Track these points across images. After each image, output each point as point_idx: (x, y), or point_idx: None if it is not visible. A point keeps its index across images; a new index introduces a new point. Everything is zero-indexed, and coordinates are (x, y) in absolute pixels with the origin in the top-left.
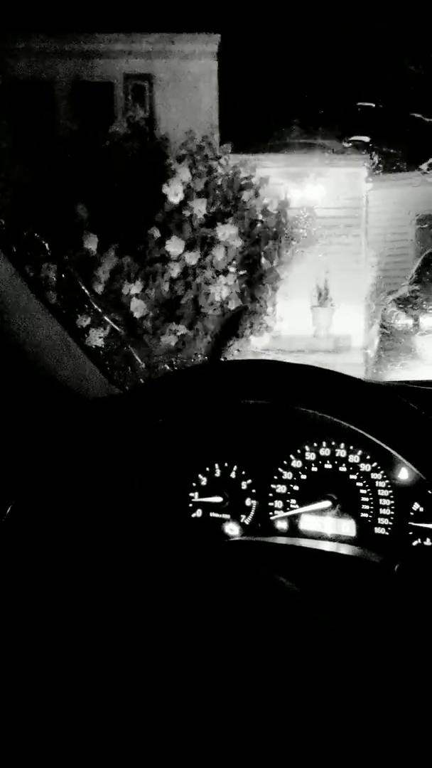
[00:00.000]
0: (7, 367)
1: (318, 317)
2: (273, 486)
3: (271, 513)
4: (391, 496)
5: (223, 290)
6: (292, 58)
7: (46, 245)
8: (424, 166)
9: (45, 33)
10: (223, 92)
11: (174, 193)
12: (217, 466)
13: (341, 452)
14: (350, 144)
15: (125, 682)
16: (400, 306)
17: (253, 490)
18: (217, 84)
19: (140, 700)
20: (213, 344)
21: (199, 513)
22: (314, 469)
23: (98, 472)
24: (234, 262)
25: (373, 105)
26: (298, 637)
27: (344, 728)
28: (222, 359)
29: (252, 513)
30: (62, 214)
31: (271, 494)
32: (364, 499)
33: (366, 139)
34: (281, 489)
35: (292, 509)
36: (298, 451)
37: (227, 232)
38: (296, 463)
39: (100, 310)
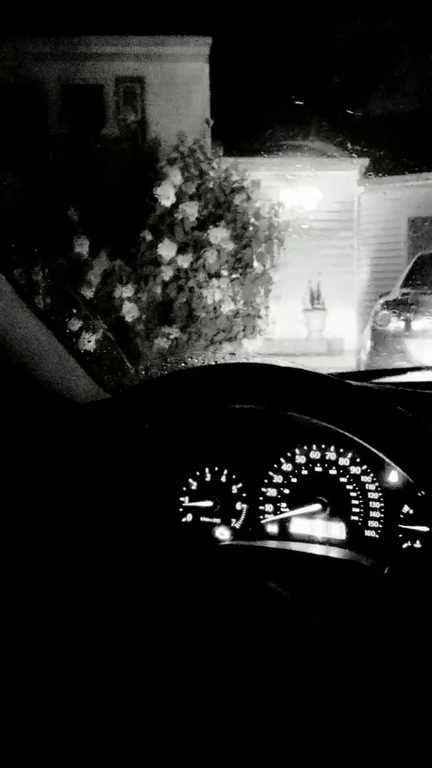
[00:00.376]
0: None
1: (310, 320)
2: (263, 489)
3: (261, 517)
4: (381, 499)
5: (215, 293)
6: (284, 61)
7: (37, 249)
8: None
9: (36, 35)
10: (214, 95)
11: (166, 196)
12: (207, 470)
13: (331, 455)
14: (342, 147)
15: (118, 683)
16: (392, 309)
17: (244, 494)
18: (209, 87)
19: (132, 702)
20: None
21: (189, 517)
22: (304, 472)
23: (88, 476)
24: (226, 265)
25: (364, 109)
26: (289, 641)
27: (336, 730)
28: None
29: (242, 517)
30: (53, 218)
31: (261, 498)
32: (354, 502)
33: (358, 142)
34: (272, 492)
35: (282, 513)
36: (288, 454)
37: (219, 236)
38: (286, 467)
39: (90, 314)
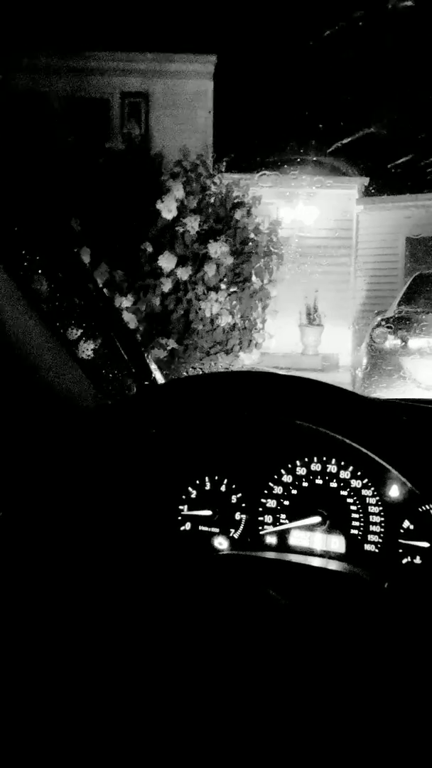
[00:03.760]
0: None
1: (307, 335)
2: (263, 500)
3: (260, 527)
4: (382, 513)
5: (213, 306)
6: (287, 80)
7: (40, 258)
8: None
9: (43, 50)
10: (218, 112)
11: (167, 209)
12: (207, 479)
13: (332, 467)
14: (342, 166)
15: (118, 689)
16: (389, 326)
17: (243, 504)
18: (212, 104)
19: (131, 707)
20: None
21: (188, 526)
22: (305, 484)
23: (88, 482)
24: (225, 279)
25: (365, 128)
26: (288, 651)
27: (334, 741)
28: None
29: (241, 527)
30: (56, 228)
31: (260, 508)
32: (354, 515)
33: (358, 161)
34: (271, 503)
35: (281, 524)
36: (289, 465)
37: (219, 250)
38: (287, 478)
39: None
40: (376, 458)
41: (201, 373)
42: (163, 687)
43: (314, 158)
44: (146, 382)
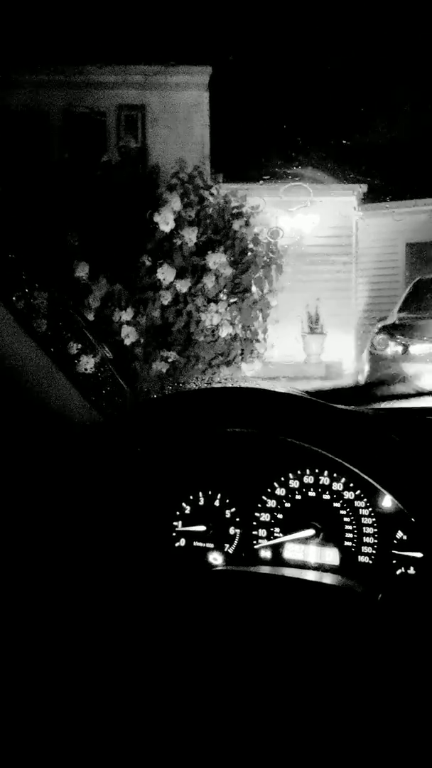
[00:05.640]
0: None
1: (309, 344)
2: (257, 514)
3: (254, 542)
4: (375, 525)
5: (214, 317)
6: (282, 88)
7: (37, 273)
8: None
9: (39, 63)
10: (214, 122)
11: (165, 221)
12: (200, 494)
13: (325, 480)
14: (341, 173)
15: (111, 701)
16: (390, 333)
17: (237, 519)
18: (209, 114)
19: (124, 719)
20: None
21: (182, 542)
22: (298, 497)
23: (82, 499)
24: (225, 290)
25: (363, 135)
26: (282, 666)
27: (330, 752)
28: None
29: (236, 542)
30: (54, 242)
31: (254, 523)
32: (347, 527)
33: (357, 168)
34: (265, 517)
35: (275, 538)
36: (282, 479)
37: (218, 261)
38: (280, 491)
39: (91, 337)
40: (362, 474)
41: (205, 385)
42: (159, 701)
43: (312, 166)
44: (140, 398)
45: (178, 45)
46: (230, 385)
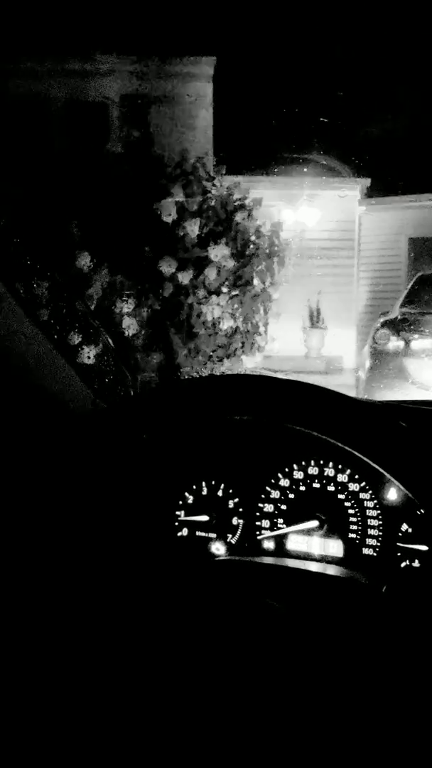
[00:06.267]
0: None
1: (310, 338)
2: (260, 505)
3: (258, 532)
4: (380, 517)
5: (215, 310)
6: (287, 82)
7: (39, 262)
8: None
9: (42, 53)
10: (217, 114)
11: (167, 212)
12: (204, 484)
13: (329, 471)
14: (344, 167)
15: (112, 693)
16: (391, 328)
17: (240, 509)
18: (213, 106)
19: (125, 713)
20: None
21: (185, 532)
22: (302, 488)
23: (83, 488)
24: (226, 283)
25: (366, 129)
26: (285, 657)
27: (331, 745)
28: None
29: (239, 532)
30: (56, 232)
31: (258, 513)
32: (352, 519)
33: (360, 162)
34: (268, 508)
35: (279, 529)
36: (286, 469)
37: (220, 253)
38: (284, 482)
39: (93, 327)
40: (371, 463)
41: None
42: (161, 692)
43: (315, 160)
44: (143, 387)
45: (183, 35)
46: (236, 373)
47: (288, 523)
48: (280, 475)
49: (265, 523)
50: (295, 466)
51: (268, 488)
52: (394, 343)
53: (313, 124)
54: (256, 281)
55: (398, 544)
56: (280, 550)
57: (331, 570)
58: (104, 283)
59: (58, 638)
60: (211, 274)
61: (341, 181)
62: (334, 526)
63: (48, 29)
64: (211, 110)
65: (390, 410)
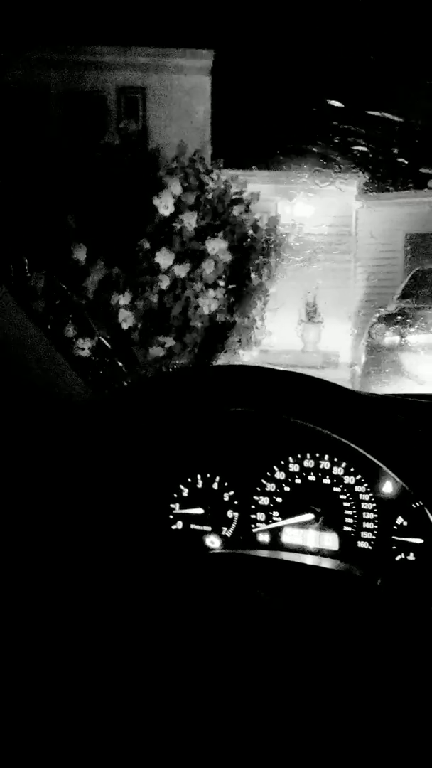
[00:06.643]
0: None
1: (306, 333)
2: (255, 498)
3: (253, 525)
4: (375, 510)
5: (212, 303)
6: (285, 75)
7: (35, 255)
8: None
9: (40, 44)
10: (215, 107)
11: (164, 205)
12: (199, 476)
13: (325, 464)
14: (342, 162)
15: (105, 685)
16: (388, 323)
17: (235, 502)
18: (210, 99)
19: (116, 705)
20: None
21: (179, 525)
22: (297, 481)
23: (77, 479)
24: (223, 276)
25: (364, 125)
26: (280, 651)
27: (327, 739)
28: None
29: (234, 525)
30: (52, 224)
31: (253, 506)
32: (347, 512)
33: (358, 157)
34: (264, 501)
35: (274, 522)
36: (282, 462)
37: (217, 246)
38: (279, 475)
39: (88, 320)
40: (368, 455)
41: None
42: (154, 685)
43: (313, 154)
44: (137, 378)
45: (181, 28)
46: (234, 364)
47: (283, 516)
48: (275, 468)
49: (261, 516)
50: (290, 459)
51: (263, 481)
52: (390, 337)
53: (311, 118)
54: (253, 275)
55: (393, 537)
56: (275, 543)
57: (326, 563)
58: (101, 275)
59: (51, 629)
60: (208, 267)
61: (339, 176)
62: (330, 519)
63: (46, 20)
64: (210, 104)
65: (387, 403)
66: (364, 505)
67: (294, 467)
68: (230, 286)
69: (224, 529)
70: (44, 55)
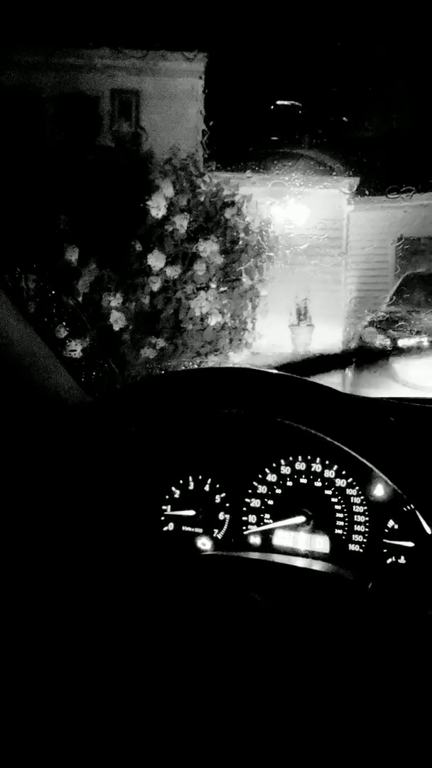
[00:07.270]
0: None
1: (297, 335)
2: (247, 500)
3: (244, 527)
4: (366, 513)
5: (203, 305)
6: (277, 79)
7: (27, 255)
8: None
9: (33, 46)
10: (208, 110)
11: (157, 207)
12: (191, 478)
13: (317, 467)
14: (333, 165)
15: (97, 687)
16: (378, 326)
17: (227, 504)
18: (203, 102)
19: (108, 706)
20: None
21: (171, 526)
22: (289, 483)
23: (68, 481)
24: (215, 278)
25: (357, 128)
26: (271, 653)
27: (318, 741)
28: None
29: (225, 527)
30: (44, 225)
31: (245, 508)
32: (338, 515)
33: (349, 161)
34: (255, 503)
35: (265, 524)
36: (273, 464)
37: (209, 248)
38: (271, 477)
39: (79, 322)
40: (360, 458)
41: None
42: (148, 686)
43: (306, 157)
44: (130, 380)
45: (173, 31)
46: (226, 366)
47: (275, 519)
48: (267, 470)
49: (252, 518)
50: (282, 462)
51: (255, 483)
52: (381, 341)
53: (303, 122)
54: (244, 277)
55: (384, 540)
56: (267, 545)
57: (317, 566)
58: (92, 277)
59: (44, 630)
60: (199, 269)
61: (331, 179)
62: (321, 522)
63: (39, 22)
64: (203, 107)
65: (379, 406)
66: (355, 508)
67: (286, 470)
68: (222, 289)
69: (216, 531)
70: (38, 57)
